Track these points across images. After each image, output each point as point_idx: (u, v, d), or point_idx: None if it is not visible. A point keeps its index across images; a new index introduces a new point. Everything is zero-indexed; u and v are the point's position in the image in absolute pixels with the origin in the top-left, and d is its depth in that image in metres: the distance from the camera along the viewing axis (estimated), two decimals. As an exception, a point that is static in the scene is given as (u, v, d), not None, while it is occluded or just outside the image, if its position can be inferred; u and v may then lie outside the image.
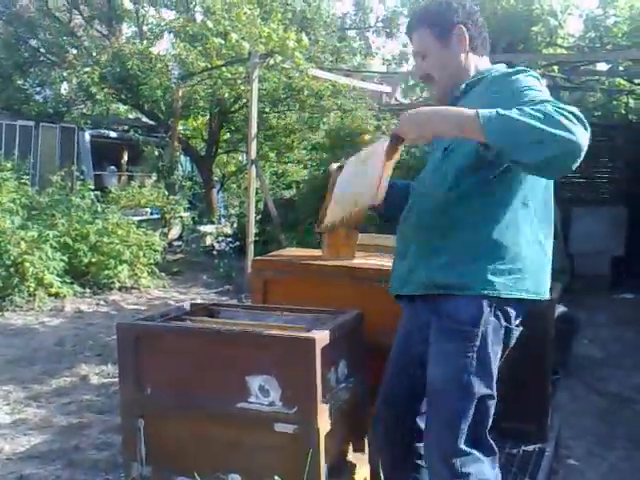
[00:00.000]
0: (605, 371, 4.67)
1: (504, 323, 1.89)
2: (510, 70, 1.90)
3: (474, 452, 1.88)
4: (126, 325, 2.20)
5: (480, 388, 1.87)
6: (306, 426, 2.00)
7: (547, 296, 1.96)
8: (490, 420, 1.93)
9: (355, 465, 2.30)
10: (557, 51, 4.92)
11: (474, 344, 1.85)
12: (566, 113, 1.58)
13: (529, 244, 1.87)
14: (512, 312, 1.90)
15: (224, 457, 2.11)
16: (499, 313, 1.87)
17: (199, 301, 2.59)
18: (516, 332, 1.96)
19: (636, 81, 6.33)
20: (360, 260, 2.90)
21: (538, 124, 1.56)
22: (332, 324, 2.20)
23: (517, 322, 1.95)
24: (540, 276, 1.92)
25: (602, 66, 6.35)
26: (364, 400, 2.36)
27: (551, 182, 1.92)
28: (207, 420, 2.13)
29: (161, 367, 2.15)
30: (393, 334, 2.69)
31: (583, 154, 1.59)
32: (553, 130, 1.56)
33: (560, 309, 3.38)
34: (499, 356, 1.93)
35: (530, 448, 3.18)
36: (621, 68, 5.96)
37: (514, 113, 1.60)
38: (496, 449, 1.96)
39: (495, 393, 1.93)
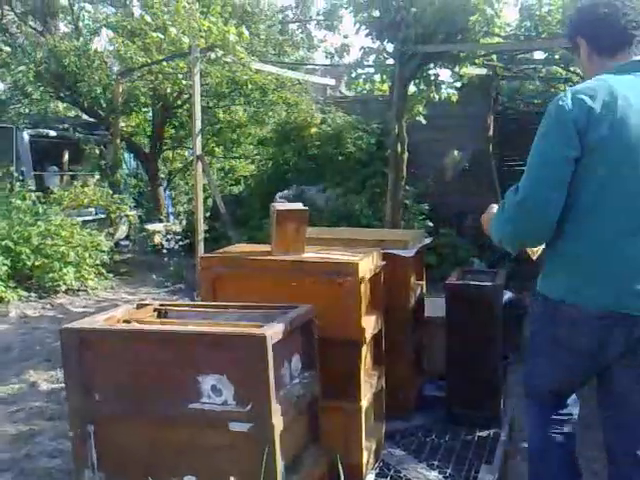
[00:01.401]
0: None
1: None
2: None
3: None
4: (69, 329, 2.12)
5: None
6: (261, 424, 1.97)
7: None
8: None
9: (312, 460, 2.29)
10: (495, 40, 4.99)
11: None
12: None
13: None
14: None
15: (178, 460, 2.07)
16: None
17: (147, 301, 2.53)
18: None
19: (572, 68, 6.49)
20: (310, 254, 2.89)
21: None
22: (284, 319, 2.18)
23: None
24: None
25: (539, 54, 6.49)
26: (319, 394, 2.35)
27: None
28: (159, 423, 2.09)
29: (108, 371, 2.10)
30: (346, 326, 2.70)
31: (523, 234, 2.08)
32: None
33: (507, 295, 3.45)
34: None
35: (485, 434, 3.24)
36: (557, 56, 6.10)
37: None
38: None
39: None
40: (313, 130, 9.15)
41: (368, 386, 2.83)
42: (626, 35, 2.07)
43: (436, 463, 2.95)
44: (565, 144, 1.95)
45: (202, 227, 7.48)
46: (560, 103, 1.97)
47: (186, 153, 13.00)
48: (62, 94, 10.95)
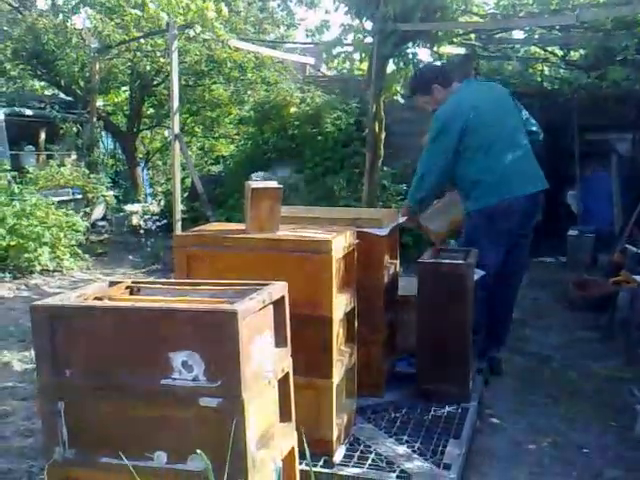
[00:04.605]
0: (525, 331, 4.85)
1: None
2: None
3: None
4: (40, 306, 2.11)
5: None
6: (231, 399, 1.99)
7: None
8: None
9: (282, 436, 2.32)
10: (473, 19, 4.98)
11: None
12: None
13: None
14: None
15: (149, 435, 2.08)
16: None
17: (119, 279, 2.53)
18: None
19: (549, 49, 6.51)
20: (284, 232, 2.90)
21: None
22: (256, 296, 2.19)
23: None
24: None
25: (518, 34, 6.49)
26: (290, 370, 2.37)
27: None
28: (130, 399, 2.09)
29: (79, 348, 2.09)
30: (318, 304, 2.72)
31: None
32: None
33: (479, 273, 3.49)
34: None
35: (453, 408, 3.29)
36: (536, 36, 6.11)
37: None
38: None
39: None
40: (292, 110, 9.11)
41: (340, 363, 2.86)
42: (449, 73, 4.07)
43: (405, 438, 2.99)
44: (456, 133, 3.86)
45: (179, 207, 7.45)
46: (445, 111, 3.93)
47: (166, 132, 12.89)
48: (39, 72, 10.79)
